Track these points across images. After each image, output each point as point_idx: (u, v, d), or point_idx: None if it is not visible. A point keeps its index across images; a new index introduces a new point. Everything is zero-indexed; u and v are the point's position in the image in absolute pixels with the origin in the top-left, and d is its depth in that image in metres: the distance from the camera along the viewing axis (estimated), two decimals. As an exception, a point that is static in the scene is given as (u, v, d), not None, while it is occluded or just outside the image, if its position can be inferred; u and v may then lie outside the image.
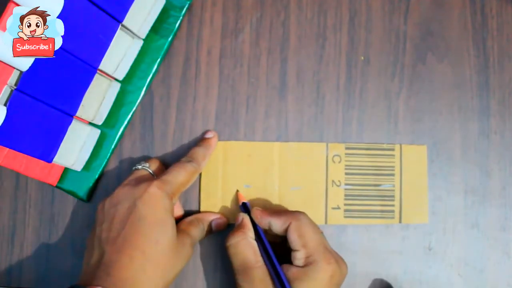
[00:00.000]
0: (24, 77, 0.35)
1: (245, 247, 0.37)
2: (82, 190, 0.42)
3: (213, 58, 0.44)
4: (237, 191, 0.42)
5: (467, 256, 0.43)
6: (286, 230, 0.37)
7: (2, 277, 0.43)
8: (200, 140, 0.42)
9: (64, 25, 0.36)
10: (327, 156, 0.43)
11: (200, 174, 0.42)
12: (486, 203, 0.43)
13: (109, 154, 0.43)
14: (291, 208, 0.42)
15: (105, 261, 0.34)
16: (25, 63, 0.35)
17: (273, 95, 0.44)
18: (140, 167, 0.40)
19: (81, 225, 0.43)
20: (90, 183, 0.43)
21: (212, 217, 0.41)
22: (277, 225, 0.37)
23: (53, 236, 0.43)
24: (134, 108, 0.43)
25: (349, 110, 0.44)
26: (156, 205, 0.36)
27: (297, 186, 0.42)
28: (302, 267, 0.36)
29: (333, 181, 0.42)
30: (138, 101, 0.43)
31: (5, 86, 0.35)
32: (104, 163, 0.43)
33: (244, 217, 0.39)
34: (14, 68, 0.35)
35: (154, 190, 0.36)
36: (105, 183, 0.43)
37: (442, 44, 0.44)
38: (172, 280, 0.36)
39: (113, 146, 0.43)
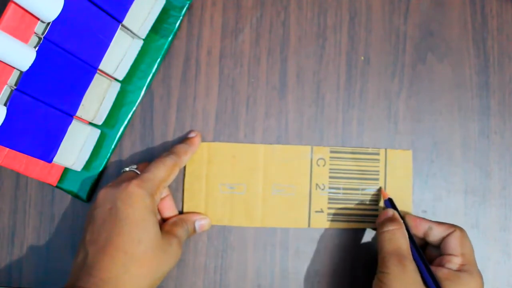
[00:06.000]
0: (24, 77, 0.35)
1: (402, 236, 0.37)
2: (82, 190, 0.42)
3: (213, 58, 0.44)
4: (380, 187, 0.42)
5: (467, 256, 0.43)
6: (443, 238, 0.38)
7: (2, 277, 0.43)
8: (183, 139, 0.42)
9: (64, 25, 0.36)
10: (311, 160, 0.43)
11: (184, 175, 0.42)
12: (486, 203, 0.43)
13: (109, 154, 0.43)
14: (275, 210, 0.42)
15: (88, 262, 0.34)
16: (25, 63, 0.35)
17: (273, 95, 0.44)
18: (127, 169, 0.40)
19: (81, 225, 0.43)
20: (90, 183, 0.43)
21: (195, 217, 0.41)
22: (438, 230, 0.39)
23: (53, 236, 0.43)
24: (134, 108, 0.43)
25: (349, 110, 0.44)
26: (136, 204, 0.36)
27: (281, 188, 0.42)
28: (455, 270, 0.37)
29: (317, 184, 0.42)
30: (138, 101, 0.43)
31: (5, 86, 0.35)
32: (104, 163, 0.43)
33: (394, 213, 0.39)
34: (14, 68, 0.35)
35: (133, 189, 0.36)
36: (105, 183, 0.43)
37: (442, 44, 0.44)
38: (159, 280, 0.36)
39: (113, 146, 0.43)
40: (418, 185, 0.43)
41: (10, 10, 0.33)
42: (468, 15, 0.44)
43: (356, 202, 0.42)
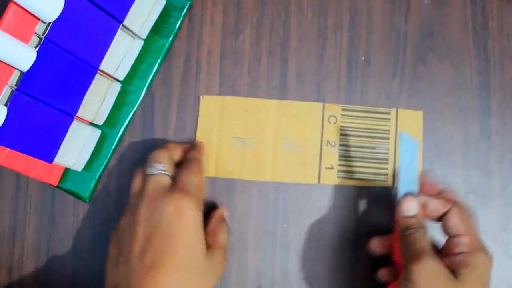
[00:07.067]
0: (25, 77, 0.35)
1: (422, 236, 0.34)
2: (83, 190, 0.42)
3: (214, 58, 0.44)
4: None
5: (467, 256, 0.43)
6: (442, 216, 0.35)
7: (3, 277, 0.43)
8: (191, 146, 0.41)
9: (64, 25, 0.36)
10: (323, 116, 0.43)
11: (196, 128, 0.43)
12: (486, 203, 0.43)
13: (109, 155, 0.43)
14: (285, 165, 0.42)
15: (131, 283, 0.32)
16: (26, 64, 0.35)
17: (273, 95, 0.44)
18: (156, 172, 0.36)
19: (81, 226, 0.43)
20: (91, 183, 0.43)
21: (221, 211, 0.40)
22: (434, 205, 0.36)
23: (54, 236, 0.43)
24: (135, 109, 0.43)
25: (350, 111, 0.44)
26: (186, 219, 0.33)
27: (291, 144, 0.43)
28: (468, 253, 0.34)
29: (328, 141, 0.43)
30: (139, 101, 0.43)
31: (6, 86, 0.35)
32: (105, 163, 0.43)
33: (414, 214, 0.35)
34: (15, 68, 0.35)
35: (183, 202, 0.33)
36: (105, 183, 0.43)
37: (442, 45, 0.44)
38: None
39: (113, 147, 0.43)
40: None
41: (10, 10, 0.33)
42: (469, 16, 0.44)
43: (367, 160, 0.43)
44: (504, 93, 0.44)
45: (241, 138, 0.43)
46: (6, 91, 0.35)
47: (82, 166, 0.41)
